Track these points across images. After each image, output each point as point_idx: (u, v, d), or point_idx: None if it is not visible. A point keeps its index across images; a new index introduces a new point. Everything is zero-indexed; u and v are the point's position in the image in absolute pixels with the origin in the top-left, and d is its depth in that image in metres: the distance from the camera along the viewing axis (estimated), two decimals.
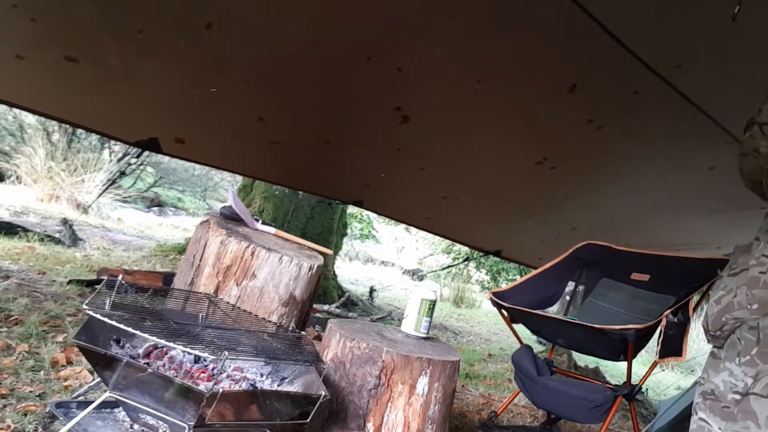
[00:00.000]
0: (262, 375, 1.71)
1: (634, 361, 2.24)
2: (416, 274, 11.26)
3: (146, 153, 3.46)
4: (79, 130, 8.07)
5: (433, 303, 2.07)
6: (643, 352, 2.43)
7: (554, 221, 4.21)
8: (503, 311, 2.56)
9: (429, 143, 3.19)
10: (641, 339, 2.18)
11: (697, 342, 7.13)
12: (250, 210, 4.64)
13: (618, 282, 2.72)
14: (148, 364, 1.53)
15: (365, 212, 12.30)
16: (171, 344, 1.36)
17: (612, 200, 3.87)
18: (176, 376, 1.44)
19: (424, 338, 2.06)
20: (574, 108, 2.75)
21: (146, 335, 1.35)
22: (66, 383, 2.06)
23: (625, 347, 2.17)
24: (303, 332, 1.79)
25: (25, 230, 5.04)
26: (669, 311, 2.11)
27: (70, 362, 2.26)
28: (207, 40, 2.41)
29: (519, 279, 2.77)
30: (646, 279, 2.59)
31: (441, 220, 4.50)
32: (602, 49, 2.28)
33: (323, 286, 5.52)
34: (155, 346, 1.61)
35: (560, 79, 2.55)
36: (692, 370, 6.53)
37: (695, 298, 2.22)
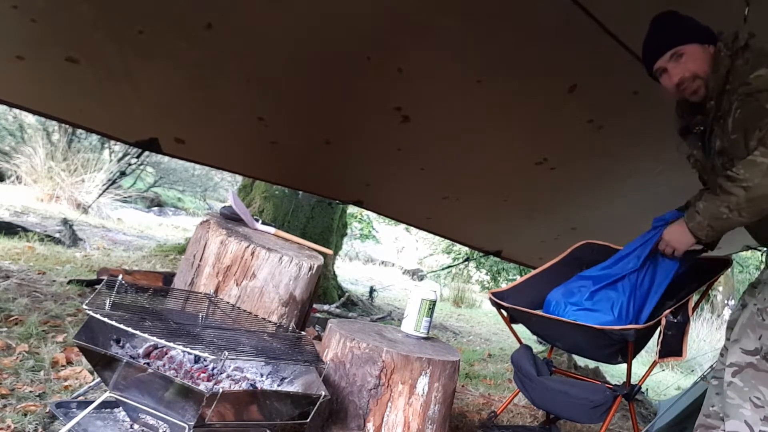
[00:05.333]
0: (262, 375, 1.71)
1: (634, 361, 2.24)
2: (416, 274, 11.27)
3: (146, 153, 3.46)
4: (79, 130, 8.08)
5: (433, 303, 2.07)
6: (643, 352, 2.43)
7: (554, 221, 4.20)
8: (503, 311, 2.55)
9: (429, 143, 3.19)
10: (641, 339, 2.18)
11: (696, 342, 7.14)
12: (250, 210, 4.64)
13: None
14: (148, 364, 1.53)
15: (365, 212, 12.30)
16: (171, 344, 1.36)
17: (612, 200, 3.87)
18: (176, 376, 1.44)
19: (424, 338, 2.05)
20: (574, 108, 2.75)
21: (146, 335, 1.35)
22: (66, 383, 2.06)
23: (624, 348, 2.17)
24: (303, 332, 1.79)
25: (25, 230, 5.04)
26: (669, 311, 2.11)
27: (70, 362, 2.26)
28: (207, 40, 2.42)
29: (518, 279, 2.77)
30: None
31: (441, 220, 4.50)
32: (602, 49, 2.29)
33: (323, 286, 5.51)
34: (155, 346, 1.61)
35: (560, 79, 2.55)
36: (692, 370, 6.52)
37: (695, 298, 2.22)
